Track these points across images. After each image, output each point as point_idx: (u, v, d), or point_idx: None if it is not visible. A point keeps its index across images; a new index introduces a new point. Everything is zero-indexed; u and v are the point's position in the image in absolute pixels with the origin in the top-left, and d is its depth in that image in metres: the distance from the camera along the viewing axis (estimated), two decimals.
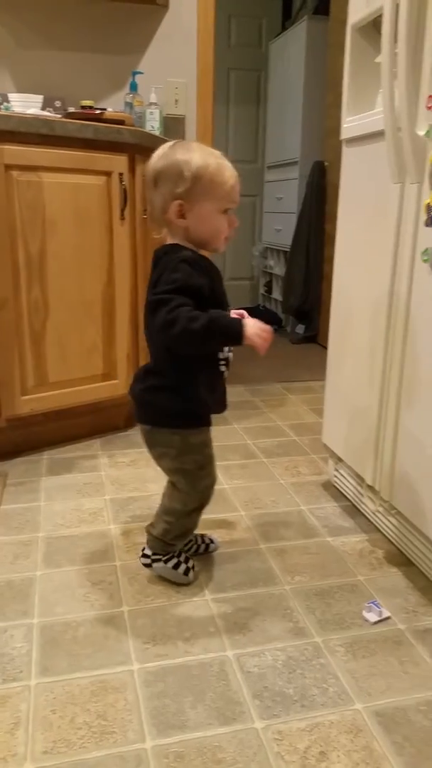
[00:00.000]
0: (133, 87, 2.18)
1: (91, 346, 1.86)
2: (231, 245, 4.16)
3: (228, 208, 1.09)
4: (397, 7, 1.16)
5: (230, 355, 1.16)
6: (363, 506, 1.54)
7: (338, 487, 1.67)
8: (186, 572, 1.25)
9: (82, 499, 1.61)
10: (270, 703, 0.97)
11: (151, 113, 2.17)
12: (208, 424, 1.19)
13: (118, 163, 1.80)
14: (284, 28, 3.79)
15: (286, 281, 3.53)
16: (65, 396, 1.83)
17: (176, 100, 2.28)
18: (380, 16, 1.27)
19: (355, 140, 1.45)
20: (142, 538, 1.42)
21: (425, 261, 1.17)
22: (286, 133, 3.60)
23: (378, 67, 1.34)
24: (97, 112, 1.88)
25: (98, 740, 0.90)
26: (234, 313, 1.15)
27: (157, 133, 2.19)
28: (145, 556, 1.26)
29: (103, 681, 1.01)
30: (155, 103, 2.18)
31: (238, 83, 4.00)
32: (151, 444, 1.18)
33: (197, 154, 1.06)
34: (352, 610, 1.18)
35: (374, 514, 1.48)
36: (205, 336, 1.02)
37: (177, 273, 1.04)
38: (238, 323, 1.04)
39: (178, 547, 1.26)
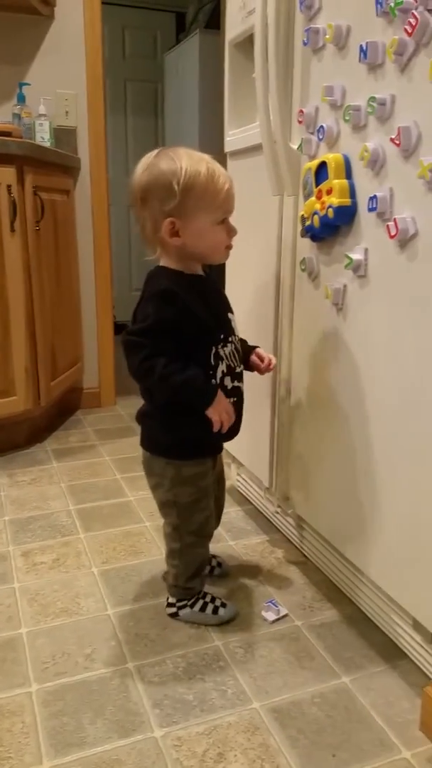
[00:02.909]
0: (21, 98, 2.14)
1: None
2: (136, 255, 4.16)
3: (225, 217, 1.02)
4: (267, 25, 1.21)
5: (240, 385, 1.10)
6: (264, 508, 1.58)
7: (241, 491, 1.71)
8: (215, 611, 1.17)
9: None
10: (170, 711, 0.98)
11: (41, 125, 2.14)
12: (206, 455, 1.13)
13: (6, 174, 1.77)
14: (178, 41, 3.85)
15: None
16: None
17: (66, 112, 2.26)
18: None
19: (237, 153, 1.49)
20: (43, 557, 1.40)
21: (303, 270, 1.22)
22: (185, 143, 3.64)
23: None
24: None
25: None
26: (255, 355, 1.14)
27: (47, 144, 2.16)
28: (170, 605, 1.19)
29: None
30: (44, 115, 2.15)
31: (135, 94, 4.01)
32: (148, 472, 1.14)
33: (185, 162, 0.97)
34: (251, 611, 1.21)
35: (274, 515, 1.53)
36: (175, 395, 1.01)
37: (149, 308, 0.99)
38: (211, 396, 1.02)
39: (198, 587, 1.18)
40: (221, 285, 1.34)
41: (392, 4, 0.91)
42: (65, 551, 1.42)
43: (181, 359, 1.00)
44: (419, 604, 1.00)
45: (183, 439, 1.08)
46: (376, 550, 1.08)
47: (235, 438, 1.66)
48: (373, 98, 0.96)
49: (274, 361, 1.18)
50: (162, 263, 1.05)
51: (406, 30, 0.89)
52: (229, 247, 1.05)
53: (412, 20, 0.87)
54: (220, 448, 1.18)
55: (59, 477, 1.81)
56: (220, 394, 1.04)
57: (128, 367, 1.01)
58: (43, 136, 2.15)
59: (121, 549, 1.43)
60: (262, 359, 1.17)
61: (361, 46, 0.98)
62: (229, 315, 1.11)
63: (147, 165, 1.00)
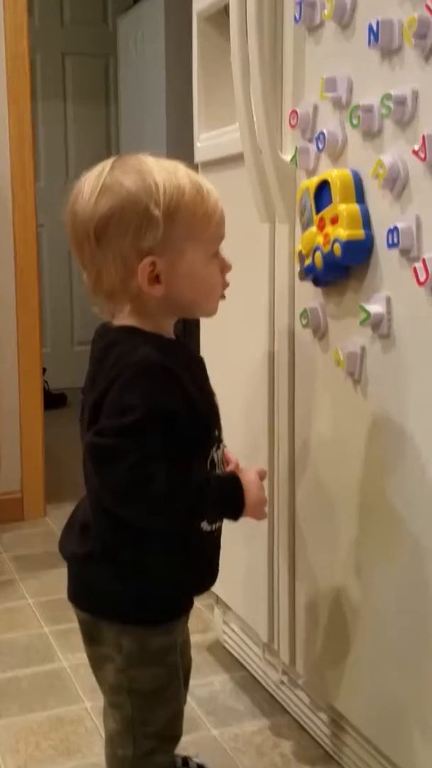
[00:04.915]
0: None
1: None
2: (79, 297, 4.24)
3: (218, 249, 1.06)
4: None
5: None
6: (263, 676, 1.56)
7: (230, 648, 1.70)
8: None
9: None
10: None
11: None
12: (183, 612, 1.13)
13: None
14: (135, 1, 4.05)
15: None
16: None
17: None
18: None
19: (211, 164, 1.57)
20: None
21: (305, 326, 1.27)
22: (147, 137, 3.78)
23: None
24: None
25: None
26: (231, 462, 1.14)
27: None
28: None
29: None
30: None
31: (77, 73, 4.20)
32: (91, 639, 1.11)
33: (159, 176, 0.99)
34: None
35: (278, 687, 1.51)
36: (189, 515, 1.02)
37: (135, 393, 0.97)
38: (239, 491, 1.03)
39: None
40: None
41: None
42: None
43: (179, 464, 1.00)
44: None
45: (153, 593, 1.07)
46: None
47: (220, 568, 1.66)
48: (388, 95, 1.03)
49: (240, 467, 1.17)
50: (127, 322, 1.05)
51: (428, 6, 0.96)
52: (223, 294, 1.10)
53: None
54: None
55: None
56: (242, 478, 1.05)
57: (103, 483, 1.00)
58: None
59: (47, 745, 1.41)
60: (227, 462, 1.16)
61: (370, 26, 1.05)
62: (216, 399, 1.13)
63: (101, 185, 1.00)
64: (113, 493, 1.00)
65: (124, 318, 1.05)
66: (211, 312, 1.10)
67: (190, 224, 1.00)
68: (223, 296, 1.09)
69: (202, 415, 1.04)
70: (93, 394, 1.02)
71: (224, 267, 1.08)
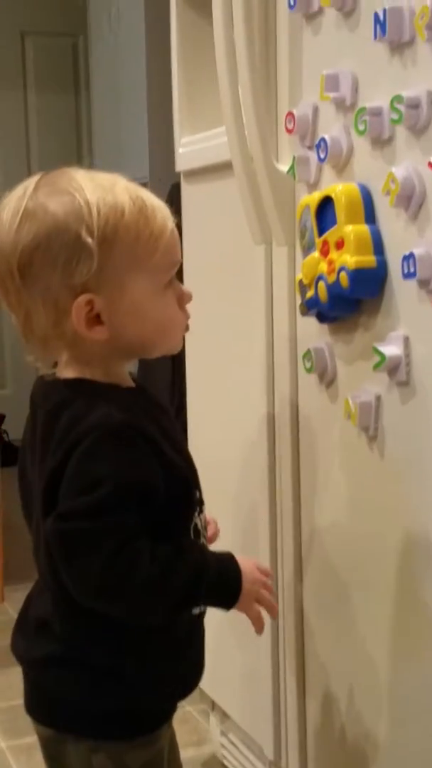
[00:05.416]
0: None
1: None
2: None
3: (172, 276, 1.07)
4: None
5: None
6: None
7: (229, 765, 1.70)
8: None
9: None
10: None
11: None
12: (164, 720, 1.12)
13: None
14: None
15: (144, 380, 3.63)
16: None
17: None
18: None
19: (197, 174, 1.59)
20: None
21: (309, 370, 1.28)
22: (124, 133, 3.80)
23: None
24: None
25: None
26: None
27: None
28: None
29: None
30: None
31: (41, 56, 4.23)
32: (54, 759, 1.12)
33: (92, 194, 1.00)
34: None
35: None
36: (188, 600, 1.03)
37: (101, 463, 0.98)
38: (237, 575, 1.05)
39: None
40: None
41: None
42: None
43: (164, 541, 1.01)
44: None
45: (133, 700, 1.06)
46: None
47: (217, 672, 1.66)
48: (399, 98, 1.05)
49: (218, 531, 1.20)
50: (72, 374, 1.06)
51: None
52: (187, 326, 1.11)
53: None
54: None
55: None
56: (240, 563, 1.06)
57: (75, 577, 0.99)
58: None
59: None
60: (206, 524, 1.17)
61: (376, 15, 1.08)
62: (189, 452, 1.15)
63: (22, 210, 1.02)
64: (90, 587, 0.99)
65: (65, 368, 1.07)
66: (172, 349, 1.11)
67: (132, 251, 1.01)
68: (186, 328, 1.10)
69: (180, 476, 1.04)
70: (44, 472, 1.01)
71: (182, 297, 1.08)
